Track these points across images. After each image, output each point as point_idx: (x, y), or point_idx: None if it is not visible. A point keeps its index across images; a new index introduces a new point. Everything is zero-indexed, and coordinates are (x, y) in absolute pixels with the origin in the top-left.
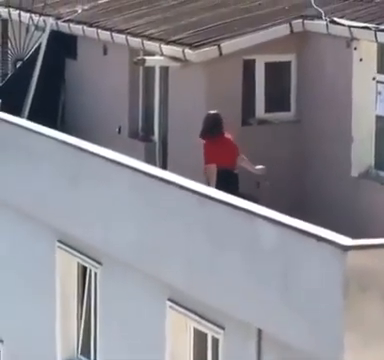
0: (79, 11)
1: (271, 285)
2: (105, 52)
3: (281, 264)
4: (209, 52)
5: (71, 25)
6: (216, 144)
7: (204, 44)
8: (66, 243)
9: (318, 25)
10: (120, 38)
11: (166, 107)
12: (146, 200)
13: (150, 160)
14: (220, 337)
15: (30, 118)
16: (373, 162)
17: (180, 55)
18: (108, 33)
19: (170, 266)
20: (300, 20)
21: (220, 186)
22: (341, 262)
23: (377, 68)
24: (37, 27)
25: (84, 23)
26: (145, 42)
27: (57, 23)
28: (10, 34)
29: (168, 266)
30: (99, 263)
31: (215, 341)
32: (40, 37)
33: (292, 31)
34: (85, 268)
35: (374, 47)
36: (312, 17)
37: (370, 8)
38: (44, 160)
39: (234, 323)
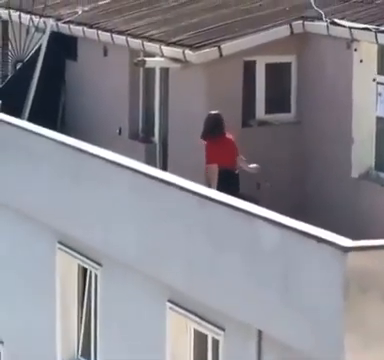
0: (79, 12)
1: (271, 286)
2: (105, 53)
3: (281, 265)
4: (209, 53)
5: (71, 26)
6: (217, 144)
7: (204, 45)
8: (66, 244)
9: (318, 26)
10: (120, 39)
11: (166, 108)
12: (146, 201)
13: (150, 161)
14: (220, 338)
15: (30, 119)
16: (373, 163)
17: (180, 56)
18: (108, 34)
19: (170, 267)
20: (300, 21)
21: (221, 186)
22: (341, 263)
23: (377, 69)
24: (37, 28)
25: (84, 24)
26: (145, 43)
27: (57, 24)
28: (10, 35)
29: (168, 267)
30: (99, 264)
31: (215, 342)
32: (40, 38)
33: (292, 32)
34: (85, 269)
35: (374, 48)
36: (312, 18)
37: (370, 9)
38: (44, 161)
39: (234, 324)
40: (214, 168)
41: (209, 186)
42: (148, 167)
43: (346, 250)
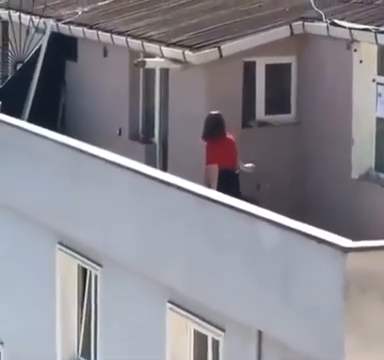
0: (79, 13)
1: (271, 287)
2: (105, 54)
3: (281, 266)
4: (209, 54)
5: (71, 27)
6: (218, 144)
7: (204, 46)
8: (66, 245)
9: (318, 27)
10: (120, 40)
11: (166, 109)
12: (146, 202)
13: (150, 162)
14: (220, 339)
15: (30, 120)
16: (373, 164)
17: (180, 57)
18: (108, 35)
19: (170, 268)
20: (300, 22)
21: (221, 186)
22: (341, 264)
23: (377, 70)
24: (37, 29)
25: (84, 25)
26: (145, 44)
27: (57, 25)
28: (10, 36)
29: (168, 268)
30: (99, 265)
31: (215, 343)
32: (40, 39)
33: (292, 33)
34: (85, 270)
35: (374, 49)
36: (312, 19)
37: (370, 10)
38: (44, 162)
39: (234, 325)
40: (214, 168)
41: (209, 186)
42: (148, 168)
43: (346, 251)
